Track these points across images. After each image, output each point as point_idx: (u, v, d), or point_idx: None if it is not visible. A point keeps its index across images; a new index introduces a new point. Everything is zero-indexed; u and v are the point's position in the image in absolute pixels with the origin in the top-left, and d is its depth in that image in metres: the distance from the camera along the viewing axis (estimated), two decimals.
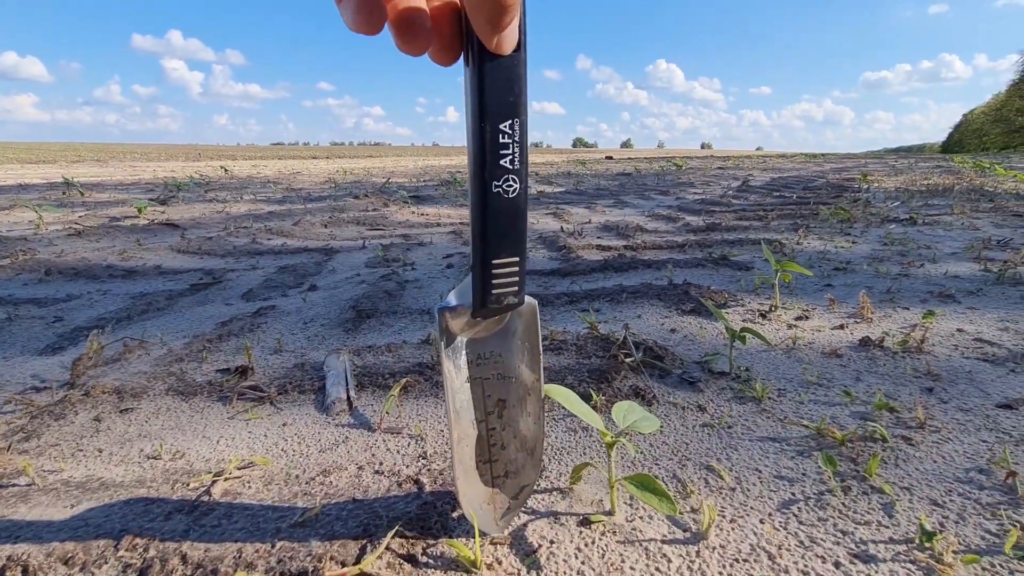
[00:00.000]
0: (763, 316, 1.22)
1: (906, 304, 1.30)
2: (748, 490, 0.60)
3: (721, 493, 0.60)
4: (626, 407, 0.60)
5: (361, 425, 0.80)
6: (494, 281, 0.40)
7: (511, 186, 0.37)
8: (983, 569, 0.47)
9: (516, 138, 0.37)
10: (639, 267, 1.68)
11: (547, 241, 2.19)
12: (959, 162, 8.17)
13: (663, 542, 0.52)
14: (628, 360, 0.93)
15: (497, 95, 0.35)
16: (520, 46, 0.34)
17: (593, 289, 1.42)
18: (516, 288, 0.42)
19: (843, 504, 0.57)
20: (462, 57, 0.35)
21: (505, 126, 0.36)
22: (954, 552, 0.48)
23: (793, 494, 0.59)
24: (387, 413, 0.80)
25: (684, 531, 0.54)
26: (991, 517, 0.54)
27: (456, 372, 0.46)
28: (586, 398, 0.82)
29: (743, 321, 1.20)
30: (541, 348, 0.49)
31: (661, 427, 0.73)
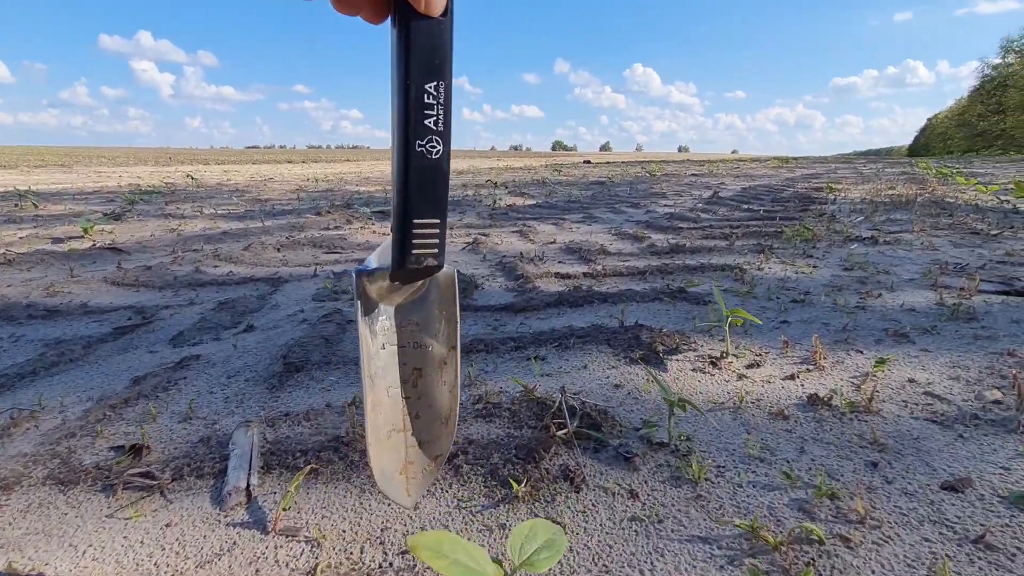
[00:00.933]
0: (714, 364, 1.16)
1: (860, 345, 1.26)
2: None
3: None
4: (527, 529, 0.53)
5: (255, 524, 0.71)
6: (414, 241, 0.40)
7: (434, 147, 0.38)
8: None
9: (440, 100, 0.37)
10: (594, 301, 1.62)
11: (506, 268, 2.12)
12: (923, 168, 8.37)
13: None
14: (561, 433, 0.86)
15: (423, 56, 0.36)
16: (447, 11, 0.35)
17: (542, 332, 1.36)
18: (436, 250, 0.42)
19: None
20: (390, 19, 0.35)
21: (431, 87, 0.36)
22: None
23: None
24: (284, 510, 0.72)
25: None
26: None
27: (372, 337, 0.46)
28: (510, 483, 0.75)
29: (693, 370, 1.14)
30: (459, 317, 0.48)
31: (570, 546, 0.66)
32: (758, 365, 1.16)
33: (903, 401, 0.98)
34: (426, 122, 0.37)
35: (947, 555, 0.61)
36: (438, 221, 0.40)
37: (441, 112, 0.37)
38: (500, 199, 5.01)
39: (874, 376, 1.09)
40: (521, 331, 1.39)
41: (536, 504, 0.72)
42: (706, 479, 0.76)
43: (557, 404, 0.91)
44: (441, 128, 0.38)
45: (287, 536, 0.68)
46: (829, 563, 0.60)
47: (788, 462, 0.80)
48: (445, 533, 0.47)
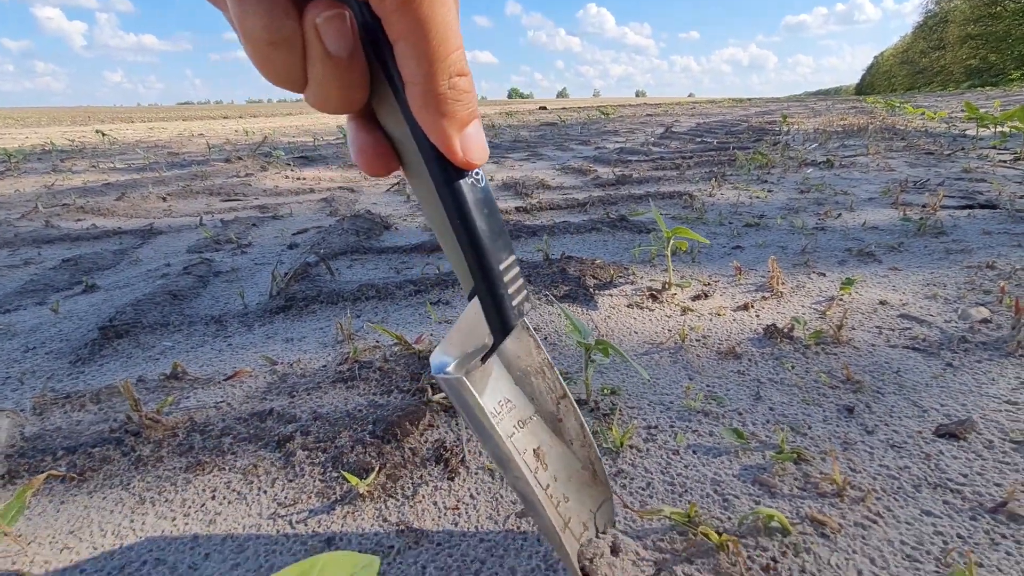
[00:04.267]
0: (654, 297, 0.96)
1: (823, 267, 1.08)
2: None
3: None
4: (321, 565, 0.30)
5: None
6: (509, 291, 0.32)
7: (479, 173, 0.29)
8: None
9: None
10: (522, 236, 1.38)
11: None
12: (872, 102, 8.39)
13: None
14: (439, 397, 0.63)
15: None
16: None
17: (450, 272, 1.11)
18: (526, 291, 0.34)
19: None
20: None
21: None
22: None
23: None
24: (3, 534, 0.47)
25: None
26: None
27: (508, 438, 0.37)
28: (359, 474, 0.52)
29: (629, 306, 0.93)
30: (547, 354, 0.40)
31: (423, 567, 0.44)
32: (706, 296, 0.96)
33: (876, 327, 0.80)
34: None
35: (959, 536, 0.42)
36: (515, 257, 0.33)
37: None
38: None
39: (841, 300, 0.91)
40: (426, 272, 1.15)
41: (389, 502, 0.50)
42: (631, 446, 0.56)
43: None
44: None
45: None
46: (796, 563, 0.40)
47: (740, 414, 0.60)
48: None
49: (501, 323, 0.33)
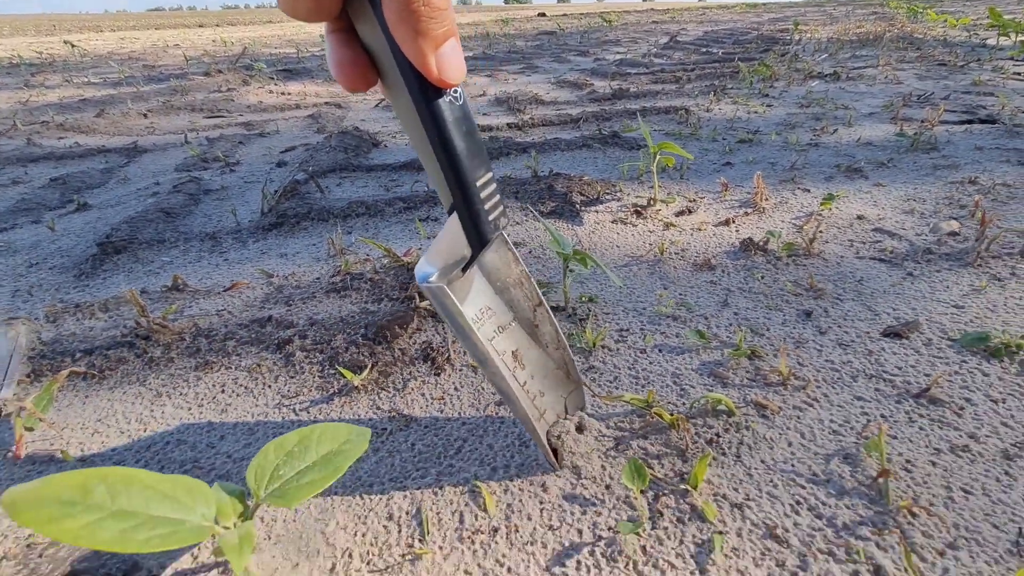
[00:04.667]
0: (639, 213, 0.98)
1: (809, 184, 1.09)
2: (516, 531, 0.40)
3: (475, 539, 0.39)
4: (294, 441, 0.35)
5: (0, 448, 0.52)
6: (486, 207, 0.34)
7: (457, 91, 0.30)
8: None
9: None
10: (511, 152, 1.37)
11: None
12: (894, 6, 7.82)
13: None
14: (427, 303, 0.67)
15: None
16: None
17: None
18: (503, 206, 0.37)
19: (642, 553, 0.37)
20: None
21: None
22: None
23: (581, 533, 0.39)
24: (28, 430, 0.52)
25: None
26: (845, 558, 0.36)
27: (489, 341, 0.42)
28: (355, 370, 0.58)
29: (613, 221, 0.95)
30: (524, 266, 0.44)
31: (413, 444, 0.50)
32: (690, 211, 0.98)
33: (848, 240, 0.83)
34: None
35: (882, 415, 0.48)
36: (492, 173, 0.35)
37: None
38: None
39: (819, 215, 0.93)
40: (416, 190, 1.15)
41: (381, 394, 0.55)
42: (603, 347, 0.61)
43: None
44: None
45: (34, 462, 0.50)
46: (737, 438, 0.47)
47: (707, 319, 0.65)
48: (107, 471, 0.28)
49: (478, 236, 0.35)
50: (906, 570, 0.34)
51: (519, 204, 1.01)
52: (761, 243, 0.81)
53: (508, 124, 1.70)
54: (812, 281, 0.70)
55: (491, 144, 1.42)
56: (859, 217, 0.91)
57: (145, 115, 2.10)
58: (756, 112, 1.75)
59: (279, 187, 1.18)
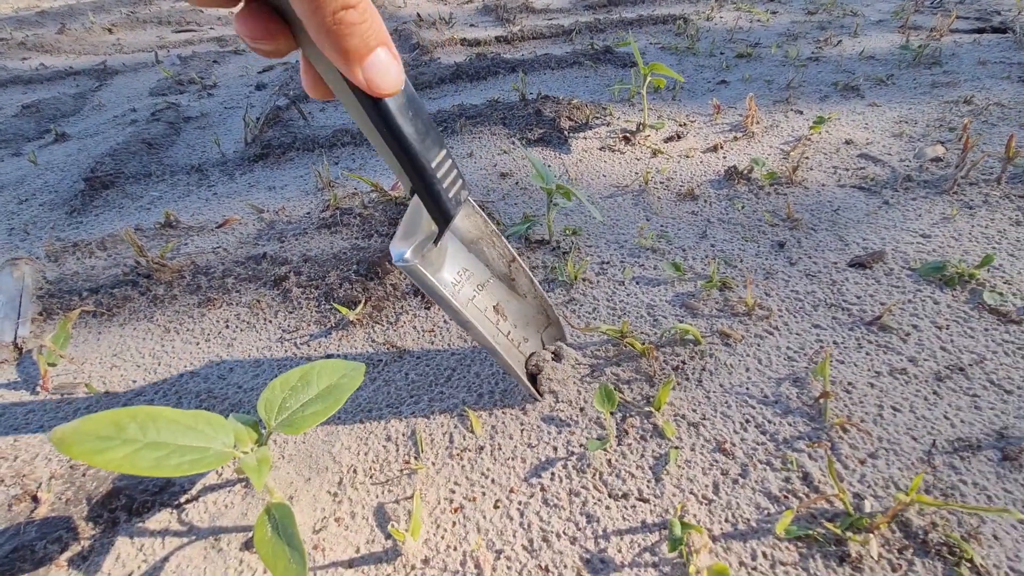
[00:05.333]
0: (627, 139, 0.97)
1: (803, 104, 1.07)
2: (499, 448, 0.45)
3: (464, 456, 0.45)
4: (298, 377, 0.39)
5: (25, 384, 0.57)
6: (444, 186, 0.36)
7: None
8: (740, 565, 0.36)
9: None
10: (500, 72, 1.31)
11: (401, 36, 1.69)
12: None
13: (350, 564, 0.38)
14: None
15: None
16: None
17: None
18: (462, 179, 0.39)
19: (608, 465, 0.43)
20: None
21: None
22: (706, 551, 0.35)
23: (555, 449, 0.45)
24: (51, 365, 0.57)
25: (384, 542, 0.39)
26: (780, 467, 0.42)
27: (465, 304, 0.45)
28: (350, 305, 0.61)
29: (601, 148, 0.95)
30: (494, 226, 0.47)
31: (408, 375, 0.54)
32: (679, 137, 0.97)
33: (832, 167, 0.84)
34: None
35: (835, 342, 0.52)
36: (446, 151, 0.36)
37: None
38: None
39: (808, 140, 0.92)
40: None
41: (376, 328, 0.59)
42: (583, 279, 0.64)
43: None
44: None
45: (61, 395, 0.55)
46: (700, 364, 0.51)
47: (684, 251, 0.68)
48: (139, 410, 0.33)
49: (441, 214, 0.37)
50: (829, 475, 0.39)
51: (507, 131, 0.99)
52: (745, 171, 0.82)
53: (497, 37, 1.60)
54: (790, 211, 0.72)
55: (479, 62, 1.35)
56: (847, 142, 0.91)
57: (110, 30, 1.96)
58: (759, 21, 1.65)
59: (261, 114, 1.15)
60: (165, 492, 0.44)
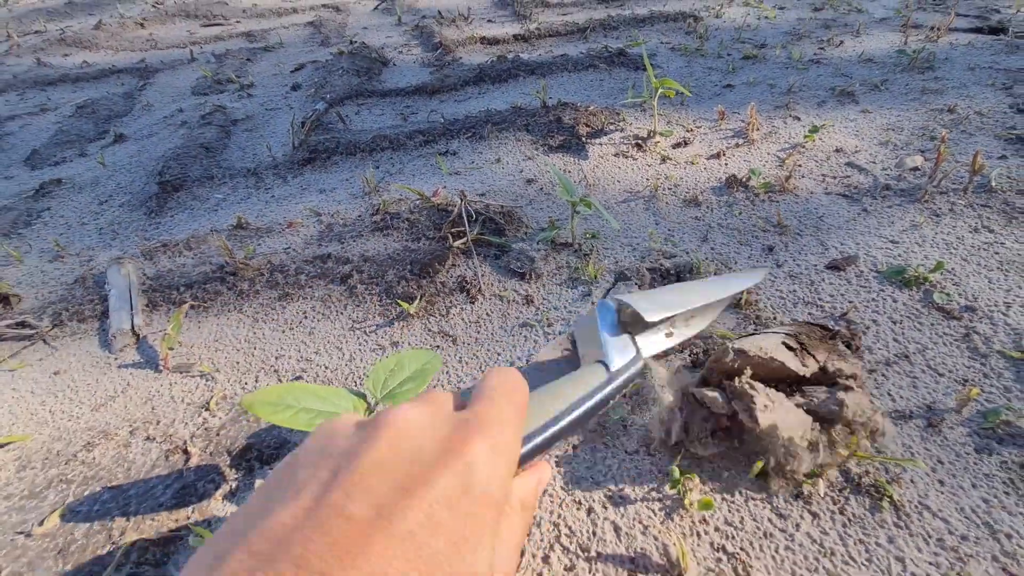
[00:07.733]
0: (639, 146, 1.07)
1: (801, 110, 1.16)
2: None
3: None
4: (394, 363, 0.52)
5: (148, 363, 0.70)
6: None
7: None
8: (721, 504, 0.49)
9: None
10: (520, 74, 1.40)
11: (424, 33, 1.78)
12: None
13: None
14: (459, 244, 0.81)
15: None
16: None
17: (456, 120, 1.20)
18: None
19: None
20: None
21: None
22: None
23: None
24: (170, 349, 0.70)
25: None
26: None
27: None
28: (407, 300, 0.74)
29: (615, 155, 1.05)
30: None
31: (459, 356, 0.67)
32: (686, 143, 1.07)
33: (822, 175, 0.94)
34: None
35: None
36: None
37: None
38: None
39: (802, 147, 1.03)
40: (432, 120, 1.23)
41: (430, 319, 0.72)
42: (602, 277, 0.76)
43: (456, 211, 0.84)
44: None
45: (181, 372, 0.68)
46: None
47: (687, 253, 0.79)
48: (292, 385, 0.45)
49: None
50: None
51: (530, 138, 1.10)
52: (743, 180, 0.93)
53: (515, 36, 1.69)
54: (780, 218, 0.83)
55: (500, 65, 1.45)
56: (837, 150, 1.01)
57: (142, 24, 2.05)
58: (766, 17, 1.72)
59: (303, 118, 1.26)
60: (284, 447, 0.57)
